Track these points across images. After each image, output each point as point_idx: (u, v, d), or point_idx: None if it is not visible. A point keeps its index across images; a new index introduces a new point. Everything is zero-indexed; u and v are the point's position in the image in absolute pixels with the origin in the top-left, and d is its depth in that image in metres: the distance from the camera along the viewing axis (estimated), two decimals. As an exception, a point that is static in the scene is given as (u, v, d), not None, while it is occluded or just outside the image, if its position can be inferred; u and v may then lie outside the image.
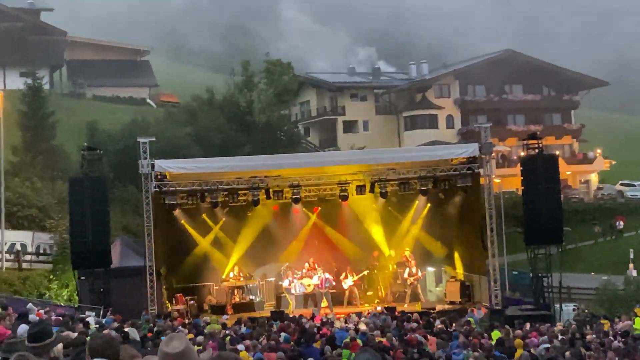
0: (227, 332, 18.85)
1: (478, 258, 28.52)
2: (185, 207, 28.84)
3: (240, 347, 14.65)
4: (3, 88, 49.60)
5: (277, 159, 30.45)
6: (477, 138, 29.32)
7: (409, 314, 24.33)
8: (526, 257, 28.67)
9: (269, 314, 26.57)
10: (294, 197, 28.24)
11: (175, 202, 27.61)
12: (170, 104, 64.51)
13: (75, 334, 11.56)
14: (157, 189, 26.88)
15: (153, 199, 26.77)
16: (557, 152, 44.15)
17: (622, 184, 61.07)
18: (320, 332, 18.87)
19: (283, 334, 17.60)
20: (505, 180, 44.44)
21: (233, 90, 56.42)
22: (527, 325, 21.62)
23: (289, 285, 29.36)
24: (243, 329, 19.97)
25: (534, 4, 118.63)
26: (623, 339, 18.89)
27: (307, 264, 30.09)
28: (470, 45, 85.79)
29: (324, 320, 23.07)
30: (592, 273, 41.62)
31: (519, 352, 15.44)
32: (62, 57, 68.45)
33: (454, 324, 21.50)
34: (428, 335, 18.51)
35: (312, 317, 23.69)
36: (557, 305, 27.57)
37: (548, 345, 17.01)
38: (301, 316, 23.75)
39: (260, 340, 16.49)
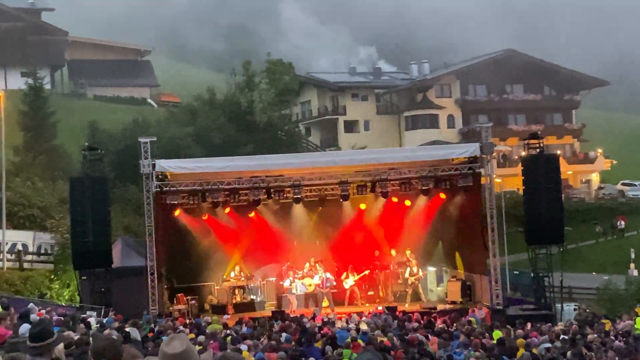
0: (228, 332, 18.86)
1: (479, 258, 28.51)
2: (186, 207, 28.83)
3: (243, 347, 14.65)
4: (4, 88, 49.63)
5: (278, 159, 30.44)
6: (478, 138, 29.31)
7: (410, 314, 24.36)
8: (527, 257, 28.69)
9: (270, 314, 26.58)
10: (295, 197, 28.23)
11: (176, 202, 27.59)
12: (171, 104, 64.59)
13: (77, 334, 11.59)
14: (158, 189, 26.87)
15: (154, 198, 26.77)
16: (558, 152, 44.21)
17: (623, 184, 61.10)
18: (322, 332, 18.88)
19: (284, 334, 17.61)
20: (506, 180, 44.44)
21: (234, 90, 56.42)
22: (528, 325, 21.63)
23: (290, 285, 29.36)
24: (244, 329, 19.98)
25: (535, 4, 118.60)
26: (624, 339, 18.90)
27: (308, 264, 30.09)
28: (471, 45, 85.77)
29: (325, 320, 23.07)
30: (593, 273, 41.62)
31: (521, 352, 15.44)
32: (63, 57, 68.52)
33: (455, 324, 21.49)
34: (429, 335, 18.51)
35: (313, 317, 23.68)
36: (558, 305, 27.57)
37: (549, 345, 17.01)
38: (302, 316, 23.74)
39: (261, 340, 16.50)
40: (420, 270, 30.15)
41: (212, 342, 15.43)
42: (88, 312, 23.59)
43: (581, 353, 15.49)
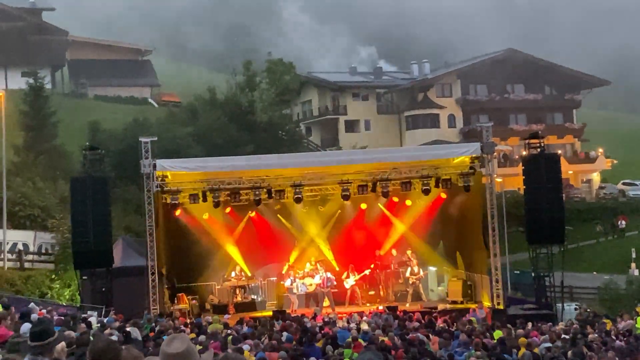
0: (229, 331, 18.85)
1: (480, 257, 28.49)
2: (187, 206, 28.83)
3: (245, 347, 14.64)
4: (5, 88, 49.64)
5: (278, 159, 30.43)
6: (478, 137, 29.29)
7: (411, 314, 24.36)
8: (528, 257, 28.68)
9: (271, 314, 26.58)
10: (296, 196, 28.23)
11: (176, 202, 27.59)
12: (171, 104, 64.62)
13: (77, 334, 11.58)
14: (158, 189, 26.88)
15: (155, 198, 26.78)
16: (559, 152, 44.27)
17: (624, 183, 61.08)
18: (322, 332, 18.88)
19: (285, 334, 17.60)
20: (507, 180, 44.45)
21: (235, 90, 56.42)
22: (529, 325, 21.63)
23: (291, 284, 29.36)
24: (245, 329, 19.98)
25: (535, 3, 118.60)
26: (625, 339, 18.90)
27: (308, 264, 30.10)
28: (471, 44, 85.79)
29: (326, 319, 23.08)
30: (594, 272, 41.60)
31: (522, 351, 15.45)
32: (63, 57, 68.54)
33: (455, 323, 21.49)
34: (430, 335, 18.52)
35: (314, 317, 23.69)
36: (559, 305, 27.55)
37: (549, 345, 17.01)
38: (303, 315, 23.74)
39: (262, 340, 16.49)
40: (421, 269, 30.14)
41: (212, 341, 15.43)
42: (89, 312, 23.59)
43: (582, 353, 15.48)
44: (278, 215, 30.89)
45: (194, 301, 29.01)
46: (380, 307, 27.81)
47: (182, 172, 27.42)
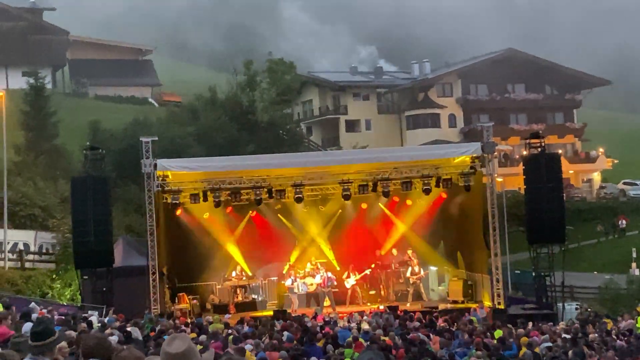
0: (230, 331, 18.86)
1: (480, 257, 28.50)
2: (188, 206, 28.84)
3: (247, 346, 14.64)
4: (5, 88, 49.66)
5: (279, 158, 30.46)
6: (479, 137, 29.27)
7: (412, 313, 24.35)
8: (529, 256, 28.68)
9: (272, 313, 26.58)
10: (297, 196, 28.23)
11: (177, 202, 27.59)
12: (172, 103, 64.61)
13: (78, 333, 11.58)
14: (159, 189, 26.88)
15: (155, 198, 26.79)
16: (560, 151, 44.26)
17: (624, 183, 61.01)
18: (323, 331, 18.89)
19: (286, 333, 17.60)
20: (508, 180, 44.44)
21: (235, 90, 56.40)
22: (530, 324, 21.63)
23: (292, 284, 29.37)
24: (246, 328, 19.98)
25: (535, 3, 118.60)
26: (626, 338, 18.90)
27: (309, 263, 30.11)
28: (472, 44, 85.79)
29: (327, 319, 23.10)
30: (595, 272, 41.55)
31: (523, 351, 15.46)
32: (64, 57, 68.55)
33: (456, 323, 21.50)
34: (431, 334, 18.53)
35: (315, 316, 23.70)
36: (559, 304, 27.57)
37: (549, 344, 17.01)
38: (304, 315, 23.75)
39: (263, 340, 16.49)
40: (421, 269, 30.16)
41: (213, 341, 15.43)
42: (89, 312, 23.58)
43: (582, 352, 15.48)
44: (279, 215, 30.89)
45: (194, 301, 29.01)
46: (381, 307, 27.81)
47: (183, 171, 27.42)
